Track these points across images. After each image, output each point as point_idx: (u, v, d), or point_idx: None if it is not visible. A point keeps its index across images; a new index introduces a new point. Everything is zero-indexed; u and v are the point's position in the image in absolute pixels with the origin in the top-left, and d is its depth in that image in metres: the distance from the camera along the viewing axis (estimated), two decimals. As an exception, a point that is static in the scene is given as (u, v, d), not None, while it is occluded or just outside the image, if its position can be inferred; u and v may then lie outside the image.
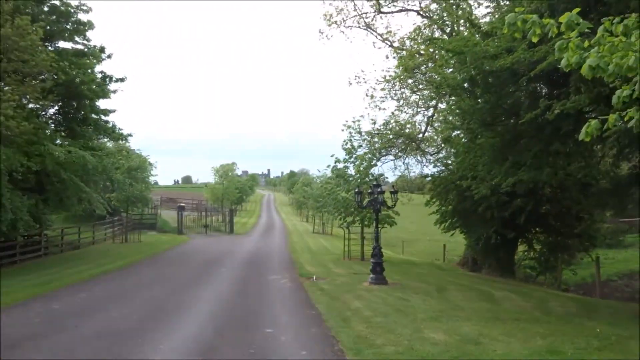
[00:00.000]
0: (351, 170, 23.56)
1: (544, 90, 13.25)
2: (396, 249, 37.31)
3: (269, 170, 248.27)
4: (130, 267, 18.96)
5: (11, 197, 16.72)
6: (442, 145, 22.74)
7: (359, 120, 22.57)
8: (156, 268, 18.66)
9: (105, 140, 27.44)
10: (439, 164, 23.62)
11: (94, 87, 22.16)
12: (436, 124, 22.87)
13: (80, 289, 13.57)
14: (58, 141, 20.84)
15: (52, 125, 22.45)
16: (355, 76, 23.47)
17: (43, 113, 21.72)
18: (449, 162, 22.74)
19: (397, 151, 23.54)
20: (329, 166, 24.89)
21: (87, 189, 22.06)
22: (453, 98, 16.57)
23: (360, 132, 22.59)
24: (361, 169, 22.67)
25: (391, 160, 23.76)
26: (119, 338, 8.28)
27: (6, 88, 16.46)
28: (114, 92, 23.77)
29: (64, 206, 23.36)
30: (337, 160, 23.94)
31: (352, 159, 23.22)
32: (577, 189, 16.99)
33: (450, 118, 18.60)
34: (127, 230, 31.85)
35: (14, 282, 14.98)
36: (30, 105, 19.47)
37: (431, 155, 24.19)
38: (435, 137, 23.74)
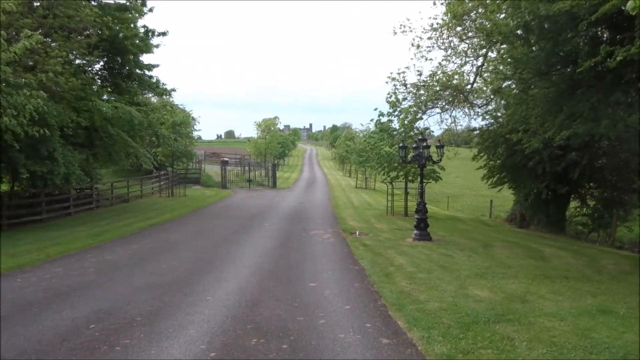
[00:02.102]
0: (395, 124, 23.03)
1: (605, 36, 12.29)
2: (441, 205, 36.91)
3: (310, 125, 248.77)
4: (177, 220, 19.51)
5: (63, 152, 17.33)
6: (492, 96, 21.71)
7: (404, 72, 21.68)
8: (202, 222, 19.09)
9: (150, 95, 27.80)
10: (487, 117, 22.76)
11: (137, 41, 22.27)
12: (486, 75, 21.71)
13: (131, 241, 14.09)
14: (105, 97, 21.28)
15: (98, 81, 22.87)
16: (401, 25, 22.40)
17: (89, 69, 22.12)
18: (499, 114, 21.85)
19: (443, 104, 22.58)
20: (372, 120, 24.46)
21: (134, 144, 22.64)
22: (505, 46, 15.68)
23: (405, 85, 21.76)
24: (406, 122, 22.07)
25: (437, 113, 22.84)
26: (168, 289, 8.51)
27: (53, 44, 16.72)
28: (157, 46, 23.91)
29: (112, 161, 24.13)
30: (381, 114, 23.46)
31: (396, 113, 22.62)
32: (638, 141, 16.02)
33: (501, 68, 17.66)
34: (173, 184, 32.68)
35: (68, 232, 15.70)
36: (77, 61, 19.81)
37: (480, 107, 23.17)
38: (485, 88, 22.63)
